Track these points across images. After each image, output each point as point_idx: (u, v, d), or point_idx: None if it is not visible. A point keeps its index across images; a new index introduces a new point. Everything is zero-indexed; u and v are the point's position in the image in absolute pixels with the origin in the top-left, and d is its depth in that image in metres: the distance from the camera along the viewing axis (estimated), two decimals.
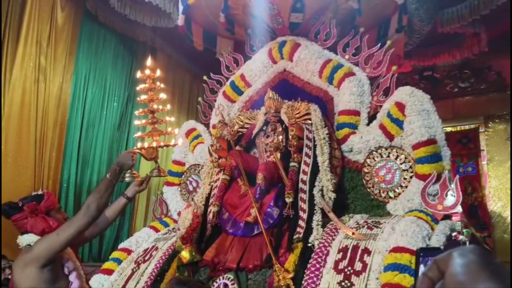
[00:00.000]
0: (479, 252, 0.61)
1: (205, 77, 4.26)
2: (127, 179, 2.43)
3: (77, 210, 4.65)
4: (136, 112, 2.72)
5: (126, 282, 3.15)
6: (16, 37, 4.24)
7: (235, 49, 4.37)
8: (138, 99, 2.68)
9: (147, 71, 2.55)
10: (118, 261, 3.40)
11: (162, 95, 2.63)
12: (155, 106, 2.57)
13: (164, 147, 2.67)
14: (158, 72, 2.61)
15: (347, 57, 3.58)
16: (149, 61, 2.62)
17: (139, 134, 2.66)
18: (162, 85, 2.67)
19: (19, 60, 4.23)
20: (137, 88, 2.70)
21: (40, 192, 2.23)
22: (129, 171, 2.39)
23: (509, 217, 5.69)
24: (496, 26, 5.02)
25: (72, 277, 2.05)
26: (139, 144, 2.51)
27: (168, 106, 2.79)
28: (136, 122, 2.71)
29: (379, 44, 3.52)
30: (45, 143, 4.40)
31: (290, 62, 3.74)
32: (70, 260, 2.09)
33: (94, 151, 5.03)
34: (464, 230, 2.61)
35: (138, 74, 2.59)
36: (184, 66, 6.46)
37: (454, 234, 2.58)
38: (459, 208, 2.72)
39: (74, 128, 4.79)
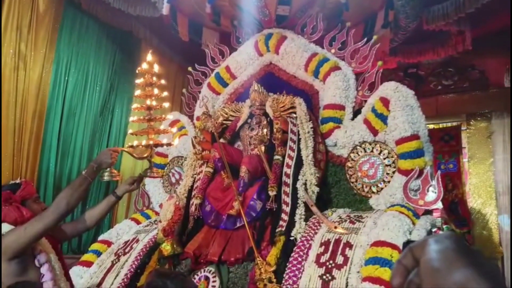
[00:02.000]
0: (455, 239, 0.58)
1: (189, 68, 4.21)
2: (105, 178, 2.35)
3: None
4: (132, 108, 2.64)
5: (106, 274, 3.11)
6: None
7: (221, 41, 4.32)
8: (135, 94, 2.60)
9: (145, 65, 2.47)
10: (98, 253, 3.35)
11: (159, 92, 2.55)
12: (150, 102, 2.47)
13: (156, 147, 2.57)
14: (156, 68, 2.54)
15: (333, 51, 3.57)
16: (149, 56, 2.54)
17: (131, 131, 2.58)
18: (162, 81, 2.59)
19: None
20: (136, 82, 2.63)
21: (17, 181, 2.16)
22: (108, 169, 2.31)
23: (489, 213, 5.79)
24: (480, 25, 5.08)
25: (44, 269, 2.00)
26: (125, 140, 2.43)
27: (167, 105, 2.71)
28: (131, 119, 2.63)
29: (365, 39, 3.53)
30: (24, 132, 4.29)
31: (276, 55, 3.72)
32: (44, 253, 2.03)
33: (75, 141, 4.92)
34: (444, 226, 2.63)
35: (138, 69, 2.52)
36: (168, 57, 6.35)
37: (434, 230, 2.61)
38: (439, 205, 2.75)
39: (54, 118, 4.67)
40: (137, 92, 2.54)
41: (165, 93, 2.67)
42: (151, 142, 2.44)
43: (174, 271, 2.37)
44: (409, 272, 0.60)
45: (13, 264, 1.87)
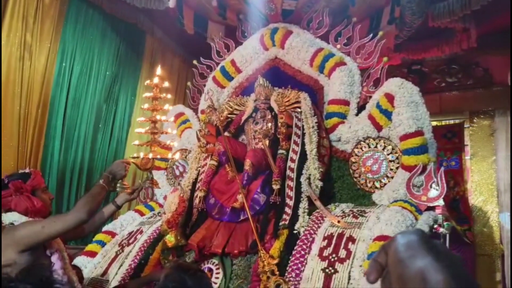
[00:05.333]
0: (419, 233, 0.64)
1: (195, 62, 4.22)
2: (117, 189, 2.40)
3: (59, 191, 4.61)
4: (138, 120, 2.68)
5: (110, 264, 3.14)
6: (1, 12, 4.11)
7: (226, 35, 4.32)
8: (141, 107, 2.64)
9: (156, 80, 2.48)
10: (102, 244, 3.38)
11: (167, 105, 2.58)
12: (158, 117, 2.50)
13: (160, 160, 2.62)
14: (166, 83, 2.55)
15: (338, 46, 3.57)
16: (158, 70, 2.56)
17: (137, 142, 2.61)
18: (169, 96, 2.62)
19: (4, 36, 4.10)
20: (143, 96, 2.66)
21: (27, 170, 2.18)
22: (120, 181, 2.36)
23: (490, 211, 5.81)
24: (485, 22, 5.07)
25: (54, 258, 2.03)
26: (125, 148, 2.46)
27: (172, 119, 2.74)
28: (137, 130, 2.66)
29: (371, 35, 3.53)
30: (29, 122, 4.30)
31: (282, 49, 3.72)
32: (54, 243, 2.06)
33: (79, 131, 4.93)
34: (445, 223, 2.65)
35: (146, 82, 2.55)
36: (173, 50, 6.35)
37: (435, 226, 2.63)
38: (441, 202, 2.76)
39: (58, 107, 4.67)
40: (145, 105, 2.56)
41: (170, 107, 2.71)
42: (151, 155, 2.46)
43: (192, 265, 2.38)
44: (383, 268, 0.65)
45: (25, 255, 1.90)
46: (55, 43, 4.65)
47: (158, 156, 2.43)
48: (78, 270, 2.90)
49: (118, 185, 2.37)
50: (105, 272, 3.09)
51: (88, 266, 3.20)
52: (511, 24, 4.48)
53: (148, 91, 2.53)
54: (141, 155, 2.39)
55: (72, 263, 3.05)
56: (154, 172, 3.93)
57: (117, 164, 2.29)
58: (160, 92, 2.51)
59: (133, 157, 2.44)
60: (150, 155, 2.38)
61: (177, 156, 2.91)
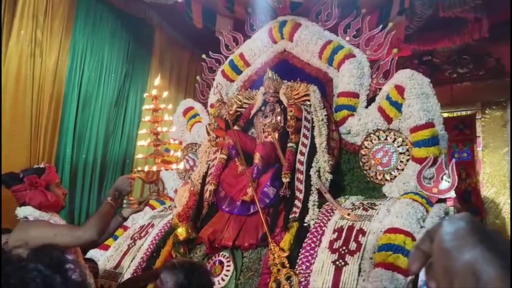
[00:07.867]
0: (469, 219, 0.56)
1: (203, 56, 4.22)
2: (124, 206, 2.40)
3: (72, 188, 4.67)
4: (140, 133, 2.69)
5: (122, 257, 3.19)
6: (12, 10, 4.15)
7: (235, 28, 4.31)
8: (142, 120, 2.65)
9: (154, 91, 2.48)
10: (114, 237, 3.42)
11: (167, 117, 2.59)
12: (159, 128, 2.51)
13: (165, 170, 2.62)
14: (165, 94, 2.56)
15: (347, 38, 3.55)
16: (157, 81, 2.56)
17: (140, 156, 2.63)
18: (170, 106, 2.62)
19: (15, 33, 4.15)
20: (143, 108, 2.64)
21: (41, 165, 2.22)
22: (126, 196, 2.37)
23: (502, 203, 5.76)
24: (497, 12, 4.98)
25: (67, 251, 2.06)
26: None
27: (174, 129, 2.74)
28: (139, 143, 2.69)
29: (380, 26, 3.50)
30: (41, 119, 4.36)
31: (291, 42, 3.71)
32: None
33: (91, 127, 4.97)
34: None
35: (145, 94, 2.55)
36: (182, 44, 6.36)
37: (447, 218, 2.61)
38: (452, 193, 2.74)
39: (70, 104, 4.72)
40: (146, 118, 2.58)
41: (170, 117, 2.71)
42: (158, 168, 2.46)
43: (193, 262, 2.40)
44: (428, 256, 0.58)
45: None
46: (66, 40, 4.69)
47: (162, 168, 2.44)
48: (93, 264, 2.95)
49: (124, 201, 2.38)
50: (118, 265, 3.14)
51: (101, 259, 3.25)
52: (511, 18, 4.41)
53: (149, 103, 2.53)
54: (146, 168, 2.40)
55: (86, 256, 3.12)
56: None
57: (122, 180, 2.30)
58: (160, 103, 2.51)
59: (138, 171, 2.45)
60: (154, 168, 2.38)
61: (181, 166, 2.93)
